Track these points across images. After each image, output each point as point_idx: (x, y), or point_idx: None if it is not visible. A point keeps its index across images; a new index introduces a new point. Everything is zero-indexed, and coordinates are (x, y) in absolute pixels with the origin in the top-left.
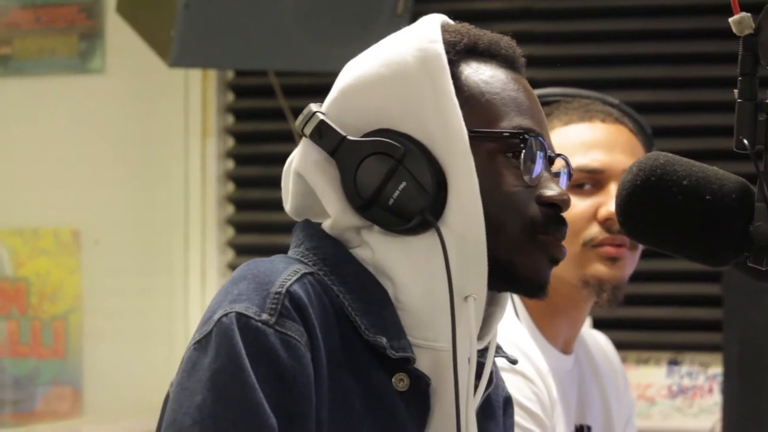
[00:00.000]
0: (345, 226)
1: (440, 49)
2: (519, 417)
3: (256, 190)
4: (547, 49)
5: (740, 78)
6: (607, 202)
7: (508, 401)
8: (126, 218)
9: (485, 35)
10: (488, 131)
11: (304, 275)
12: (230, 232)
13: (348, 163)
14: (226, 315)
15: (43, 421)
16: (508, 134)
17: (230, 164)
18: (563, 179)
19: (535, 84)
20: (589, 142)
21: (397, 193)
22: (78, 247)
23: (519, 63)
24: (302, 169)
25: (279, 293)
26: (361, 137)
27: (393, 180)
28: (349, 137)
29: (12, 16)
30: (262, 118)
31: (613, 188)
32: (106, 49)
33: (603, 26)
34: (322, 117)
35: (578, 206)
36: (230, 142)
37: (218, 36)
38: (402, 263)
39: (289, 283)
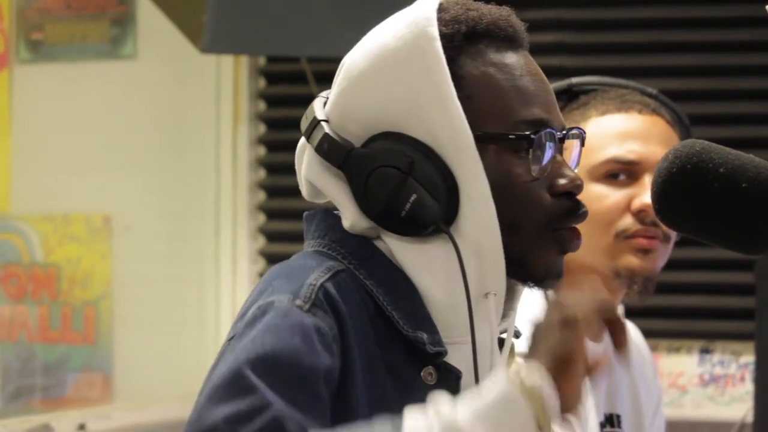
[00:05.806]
0: (363, 228)
1: (437, 45)
2: None
3: (287, 177)
4: (577, 36)
5: None
6: (641, 194)
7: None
8: (157, 204)
9: (483, 16)
10: (494, 133)
11: (337, 272)
12: (261, 218)
13: (356, 176)
14: (259, 307)
15: (73, 407)
16: (514, 137)
17: (261, 150)
18: (576, 150)
19: (566, 72)
20: (625, 132)
21: (408, 205)
22: (109, 233)
23: (521, 38)
24: (313, 179)
25: (313, 285)
26: (367, 141)
27: (403, 192)
28: (355, 150)
29: (43, 2)
30: (294, 104)
31: (647, 180)
32: (137, 35)
33: (635, 14)
34: (326, 129)
35: (612, 197)
36: (262, 128)
37: (250, 22)
38: (419, 266)
39: (323, 279)
